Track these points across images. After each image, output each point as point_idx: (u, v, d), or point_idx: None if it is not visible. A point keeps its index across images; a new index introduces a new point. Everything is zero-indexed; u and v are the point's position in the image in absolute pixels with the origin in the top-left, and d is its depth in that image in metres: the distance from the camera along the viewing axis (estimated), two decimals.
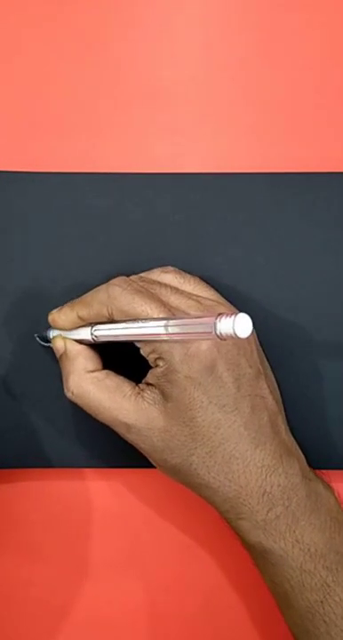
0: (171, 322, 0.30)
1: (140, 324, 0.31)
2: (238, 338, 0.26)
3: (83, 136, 0.41)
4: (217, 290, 0.36)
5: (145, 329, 0.31)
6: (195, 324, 0.29)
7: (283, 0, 0.41)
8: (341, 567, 0.31)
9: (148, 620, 0.39)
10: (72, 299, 0.36)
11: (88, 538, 0.39)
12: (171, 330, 0.30)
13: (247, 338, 0.33)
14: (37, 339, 0.38)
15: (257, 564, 0.33)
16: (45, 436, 0.38)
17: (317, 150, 0.40)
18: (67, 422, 0.38)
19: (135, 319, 0.32)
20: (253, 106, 0.41)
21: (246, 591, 0.39)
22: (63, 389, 0.34)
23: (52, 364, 0.38)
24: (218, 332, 0.27)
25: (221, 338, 0.27)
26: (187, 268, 0.37)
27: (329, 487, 0.33)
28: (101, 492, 0.39)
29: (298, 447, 0.34)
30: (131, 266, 0.37)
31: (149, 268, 0.36)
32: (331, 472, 0.35)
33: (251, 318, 0.27)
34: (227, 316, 0.27)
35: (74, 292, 0.37)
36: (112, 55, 0.41)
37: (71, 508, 0.39)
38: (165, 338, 0.30)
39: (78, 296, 0.35)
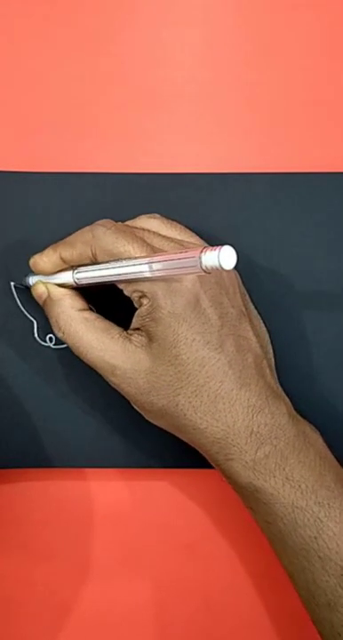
0: (155, 259, 0.30)
1: (124, 262, 0.31)
2: (223, 269, 0.27)
3: (83, 136, 0.40)
4: None
5: (129, 267, 0.31)
6: (179, 260, 0.29)
7: (283, 0, 0.41)
8: (333, 502, 0.31)
9: (149, 619, 0.39)
10: None
11: (89, 537, 0.39)
12: (154, 267, 0.30)
13: (229, 274, 0.34)
14: (13, 288, 0.38)
15: (250, 506, 0.33)
16: (46, 436, 0.38)
17: (317, 150, 0.40)
18: (67, 422, 0.38)
19: (118, 259, 0.32)
20: (253, 106, 0.41)
21: (246, 590, 0.39)
22: (52, 331, 0.35)
23: (52, 364, 0.38)
24: (203, 266, 0.27)
25: (206, 271, 0.27)
26: None
27: (315, 430, 0.34)
28: (101, 491, 0.39)
29: (283, 393, 0.34)
30: None
31: None
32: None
33: None
34: (211, 249, 0.27)
35: None
36: (112, 55, 0.41)
37: (72, 508, 0.39)
38: (149, 275, 0.30)
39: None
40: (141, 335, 0.33)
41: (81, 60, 0.41)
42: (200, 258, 0.27)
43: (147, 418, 0.34)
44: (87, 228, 0.34)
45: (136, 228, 0.34)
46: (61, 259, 0.34)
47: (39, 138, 0.40)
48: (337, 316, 0.38)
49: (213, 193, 0.39)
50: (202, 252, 0.27)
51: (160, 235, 0.34)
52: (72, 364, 0.38)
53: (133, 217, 0.36)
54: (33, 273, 0.36)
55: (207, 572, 0.39)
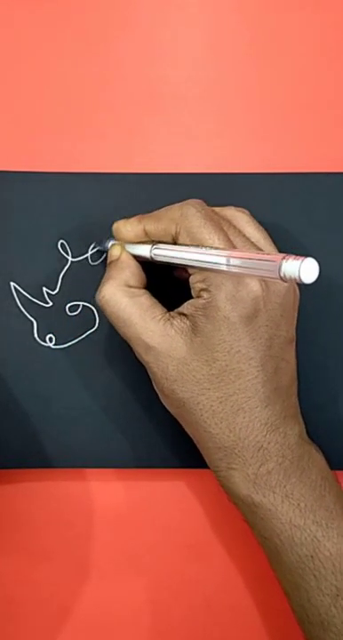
0: (235, 253, 0.29)
1: (204, 250, 0.31)
2: (301, 282, 0.26)
3: (83, 136, 0.40)
4: None
5: (207, 256, 0.31)
6: (259, 261, 0.28)
7: (283, 0, 0.41)
8: (331, 523, 0.31)
9: (150, 620, 0.39)
10: (73, 301, 0.35)
11: (89, 538, 0.39)
12: (232, 262, 0.29)
13: (295, 298, 0.33)
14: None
15: (247, 519, 0.33)
16: (46, 437, 0.38)
17: (317, 150, 0.40)
18: (67, 422, 0.38)
19: (198, 245, 0.32)
20: (253, 106, 0.41)
21: (247, 591, 0.39)
22: (97, 296, 0.34)
23: (52, 364, 0.38)
24: (281, 273, 0.26)
25: (283, 279, 0.26)
26: None
27: (319, 450, 0.34)
28: (102, 491, 0.39)
29: (300, 413, 0.34)
30: None
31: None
32: None
33: None
34: (294, 257, 0.26)
35: (74, 292, 0.37)
36: (112, 55, 0.41)
37: (72, 508, 0.39)
38: (225, 269, 0.30)
39: (76, 301, 0.35)
40: (184, 323, 0.32)
41: (81, 60, 0.41)
42: (281, 264, 0.26)
43: (162, 401, 0.34)
44: (177, 205, 0.33)
45: (223, 218, 0.34)
46: (144, 231, 0.34)
47: (39, 138, 0.40)
48: (337, 316, 0.38)
49: (213, 193, 0.39)
50: (284, 258, 0.26)
51: (244, 236, 0.33)
52: (72, 363, 0.38)
53: (132, 217, 0.36)
54: (113, 238, 0.36)
55: (208, 573, 0.39)
